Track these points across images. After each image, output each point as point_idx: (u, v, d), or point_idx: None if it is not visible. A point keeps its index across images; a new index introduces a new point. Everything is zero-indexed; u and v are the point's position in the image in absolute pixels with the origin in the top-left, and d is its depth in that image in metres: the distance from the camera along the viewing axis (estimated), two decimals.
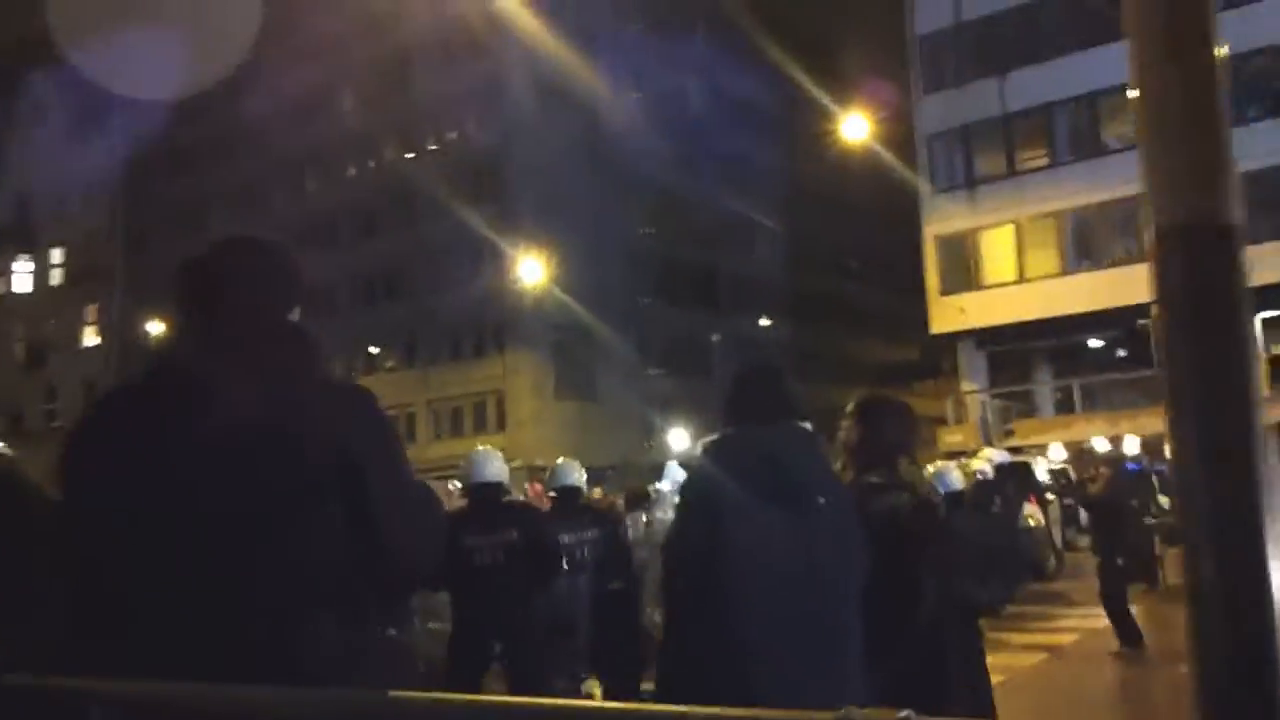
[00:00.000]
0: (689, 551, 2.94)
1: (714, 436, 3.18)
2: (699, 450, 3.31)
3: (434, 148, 41.05)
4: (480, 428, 39.01)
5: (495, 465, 6.27)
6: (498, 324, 37.43)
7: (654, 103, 39.49)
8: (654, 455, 34.61)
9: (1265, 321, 26.47)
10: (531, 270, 31.89)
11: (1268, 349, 21.33)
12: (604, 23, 38.06)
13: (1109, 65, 27.67)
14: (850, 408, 4.01)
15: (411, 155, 41.19)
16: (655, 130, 40.03)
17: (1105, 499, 10.61)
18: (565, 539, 6.77)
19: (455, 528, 5.75)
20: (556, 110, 37.64)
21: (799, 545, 2.83)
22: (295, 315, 2.15)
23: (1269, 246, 25.27)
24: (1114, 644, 9.80)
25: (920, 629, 3.62)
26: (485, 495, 6.13)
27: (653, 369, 38.09)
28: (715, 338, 39.21)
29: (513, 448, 36.28)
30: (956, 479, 7.13)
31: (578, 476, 7.63)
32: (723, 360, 39.20)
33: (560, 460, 7.92)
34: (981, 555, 6.42)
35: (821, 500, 2.93)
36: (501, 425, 38.32)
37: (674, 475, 10.12)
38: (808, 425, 3.23)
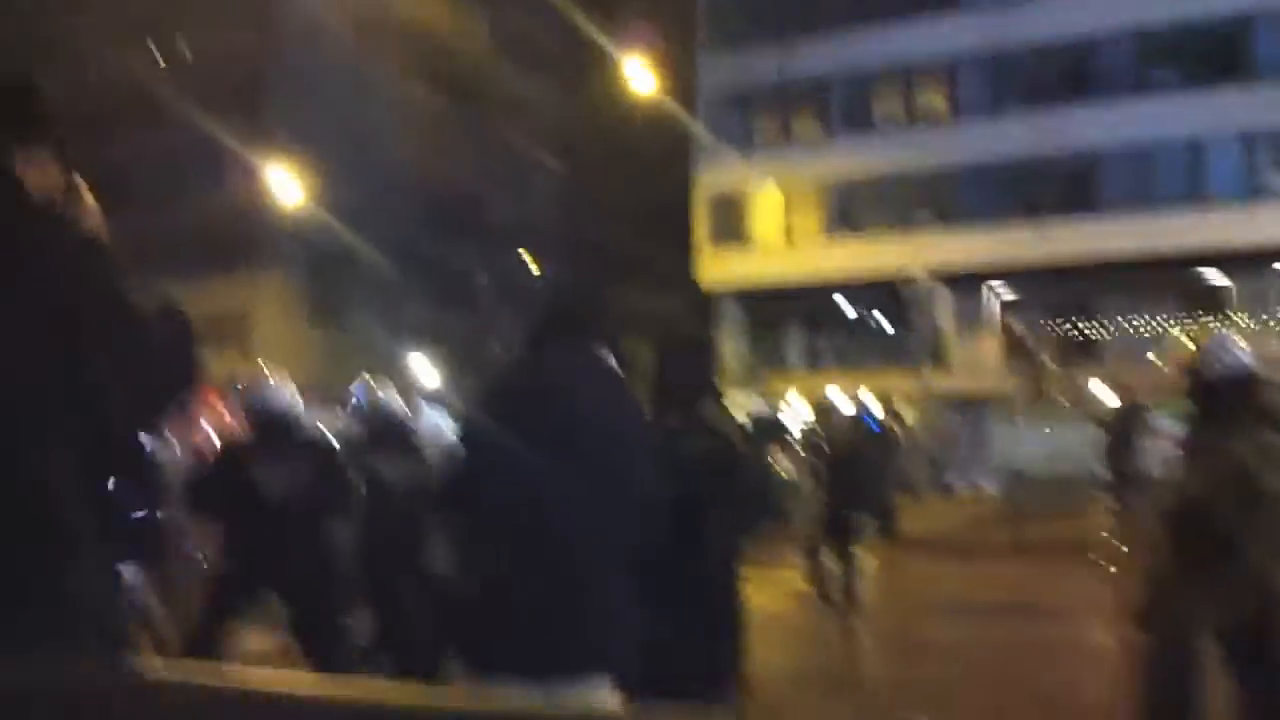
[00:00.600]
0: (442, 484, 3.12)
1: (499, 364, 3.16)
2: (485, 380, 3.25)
3: (187, 50, 37.74)
4: (220, 348, 36.40)
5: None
6: (246, 242, 34.87)
7: (437, 26, 37.79)
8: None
9: (1005, 304, 28.33)
10: (285, 186, 29.71)
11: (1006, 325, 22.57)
12: None
13: (886, 45, 28.64)
14: (648, 347, 3.87)
15: (158, 55, 37.70)
16: (432, 55, 38.42)
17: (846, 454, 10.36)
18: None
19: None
20: (327, 24, 35.28)
21: (547, 487, 2.57)
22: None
23: (1018, 229, 26.83)
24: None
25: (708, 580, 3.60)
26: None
27: (412, 298, 36.71)
28: (481, 274, 38.24)
29: (257, 373, 34.13)
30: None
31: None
32: (488, 295, 38.41)
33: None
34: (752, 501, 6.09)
35: (593, 439, 2.63)
36: (244, 348, 35.90)
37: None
38: (604, 352, 2.85)
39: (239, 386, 5.92)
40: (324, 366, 34.19)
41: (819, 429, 21.77)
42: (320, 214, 32.11)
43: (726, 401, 16.09)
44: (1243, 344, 3.78)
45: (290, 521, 4.88)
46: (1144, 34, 26.40)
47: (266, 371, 5.85)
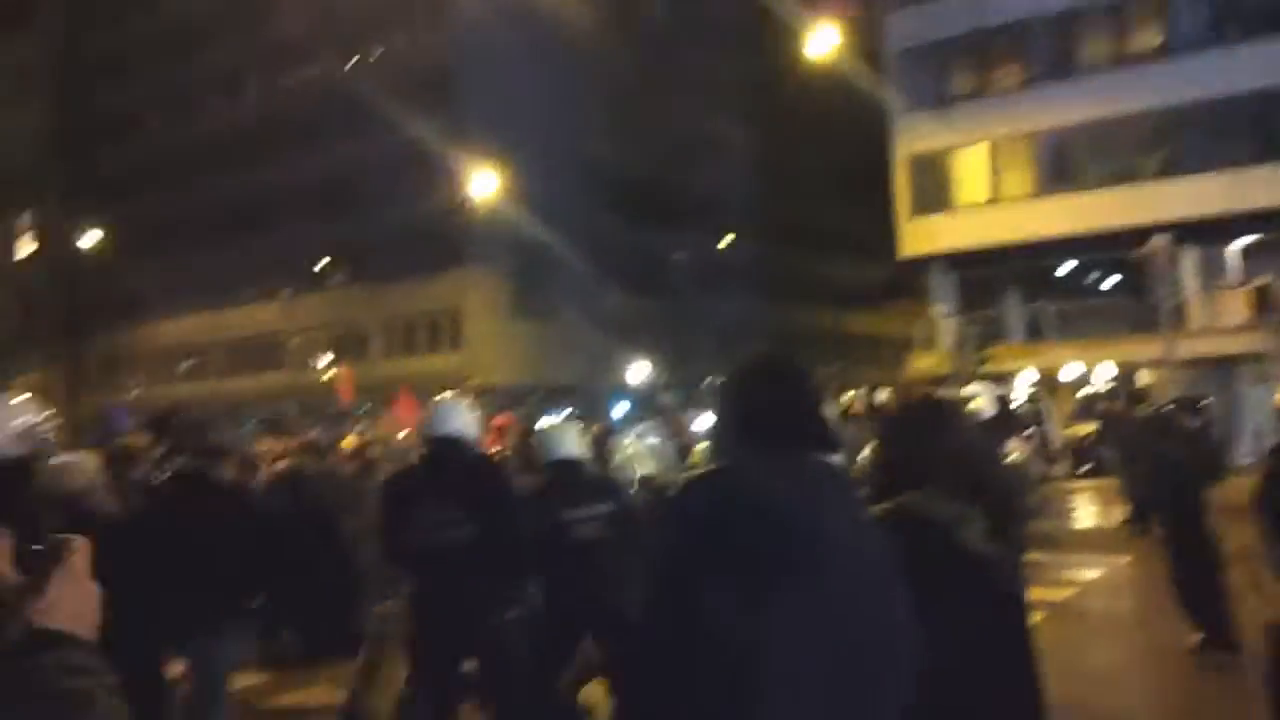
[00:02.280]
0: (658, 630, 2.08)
1: (698, 472, 2.45)
2: (678, 489, 2.33)
3: (380, 52, 39.18)
4: (435, 347, 37.97)
5: (459, 418, 5.20)
6: (451, 240, 36.11)
7: (613, 8, 37.88)
8: (612, 378, 33.89)
9: (1244, 249, 26.19)
10: (485, 184, 30.58)
11: (1251, 278, 20.85)
12: None
13: None
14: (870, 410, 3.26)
15: (355, 61, 39.30)
16: (614, 38, 38.52)
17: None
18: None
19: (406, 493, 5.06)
20: (510, 16, 35.88)
21: (814, 631, 1.95)
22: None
23: (1257, 173, 24.78)
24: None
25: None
26: (441, 451, 5.13)
27: (611, 288, 37.12)
28: (678, 256, 38.26)
29: (469, 366, 35.41)
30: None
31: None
32: (685, 279, 38.38)
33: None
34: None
35: (847, 566, 2.02)
36: (457, 343, 37.31)
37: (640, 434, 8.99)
38: (836, 458, 2.41)
39: (533, 440, 5.95)
40: (530, 359, 35.25)
41: (1044, 405, 20.79)
42: (517, 208, 32.90)
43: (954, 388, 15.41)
44: None
45: (601, 563, 5.02)
46: None
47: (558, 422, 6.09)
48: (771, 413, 2.16)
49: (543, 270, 35.36)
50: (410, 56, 37.67)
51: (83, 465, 5.01)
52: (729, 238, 42.07)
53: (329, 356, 38.43)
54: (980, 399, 9.93)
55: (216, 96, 44.04)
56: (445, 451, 5.05)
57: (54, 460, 5.82)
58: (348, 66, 39.32)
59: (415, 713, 5.08)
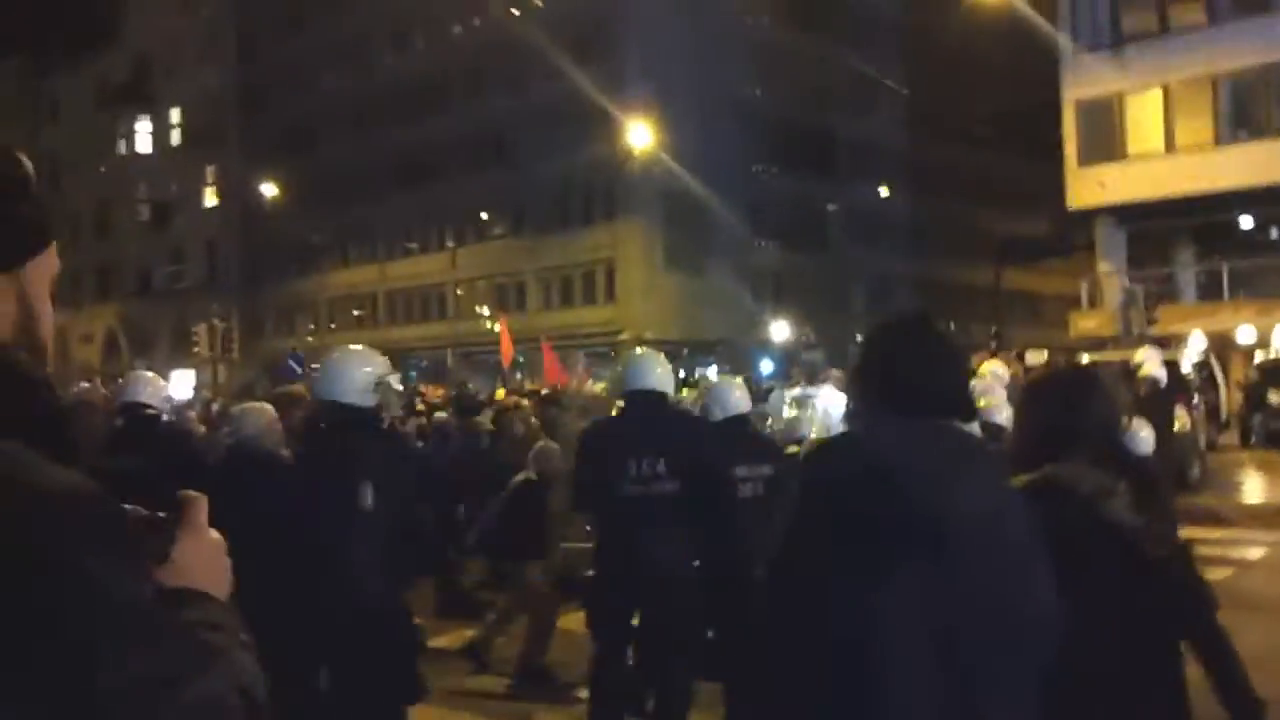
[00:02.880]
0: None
1: (822, 441, 2.44)
2: (806, 455, 2.45)
3: (540, 4, 39.61)
4: (589, 299, 38.65)
5: (657, 371, 5.15)
6: (607, 191, 36.57)
7: None
8: (758, 334, 33.82)
9: None
10: (640, 135, 30.80)
11: None
12: None
13: None
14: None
15: (517, 12, 39.82)
16: None
17: None
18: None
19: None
20: None
21: (933, 607, 1.90)
22: None
23: None
24: None
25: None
26: (641, 403, 5.14)
27: (764, 240, 36.89)
28: (832, 207, 37.70)
29: (621, 319, 35.99)
30: (1148, 439, 5.67)
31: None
32: (839, 232, 37.80)
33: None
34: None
35: (967, 541, 1.94)
36: (611, 296, 37.89)
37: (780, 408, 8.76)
38: (974, 426, 2.42)
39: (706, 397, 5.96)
40: (681, 312, 35.52)
41: (1216, 366, 19.76)
42: (671, 159, 33.00)
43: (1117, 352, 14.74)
44: None
45: (750, 526, 5.02)
46: None
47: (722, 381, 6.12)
48: (908, 378, 2.10)
49: (695, 222, 35.47)
50: (569, 7, 37.99)
51: (261, 411, 5.33)
52: (885, 189, 41.12)
53: (489, 308, 39.62)
54: (1148, 364, 9.47)
55: (385, 49, 45.32)
56: (645, 404, 5.10)
57: (234, 408, 6.35)
58: (511, 15, 39.84)
59: (609, 666, 5.13)
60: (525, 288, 40.52)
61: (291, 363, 24.54)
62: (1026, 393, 2.92)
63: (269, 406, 5.54)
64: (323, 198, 45.24)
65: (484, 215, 41.95)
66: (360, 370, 4.32)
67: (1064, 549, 2.09)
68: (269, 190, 43.54)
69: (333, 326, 47.16)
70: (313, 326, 48.21)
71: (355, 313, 47.84)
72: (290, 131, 47.77)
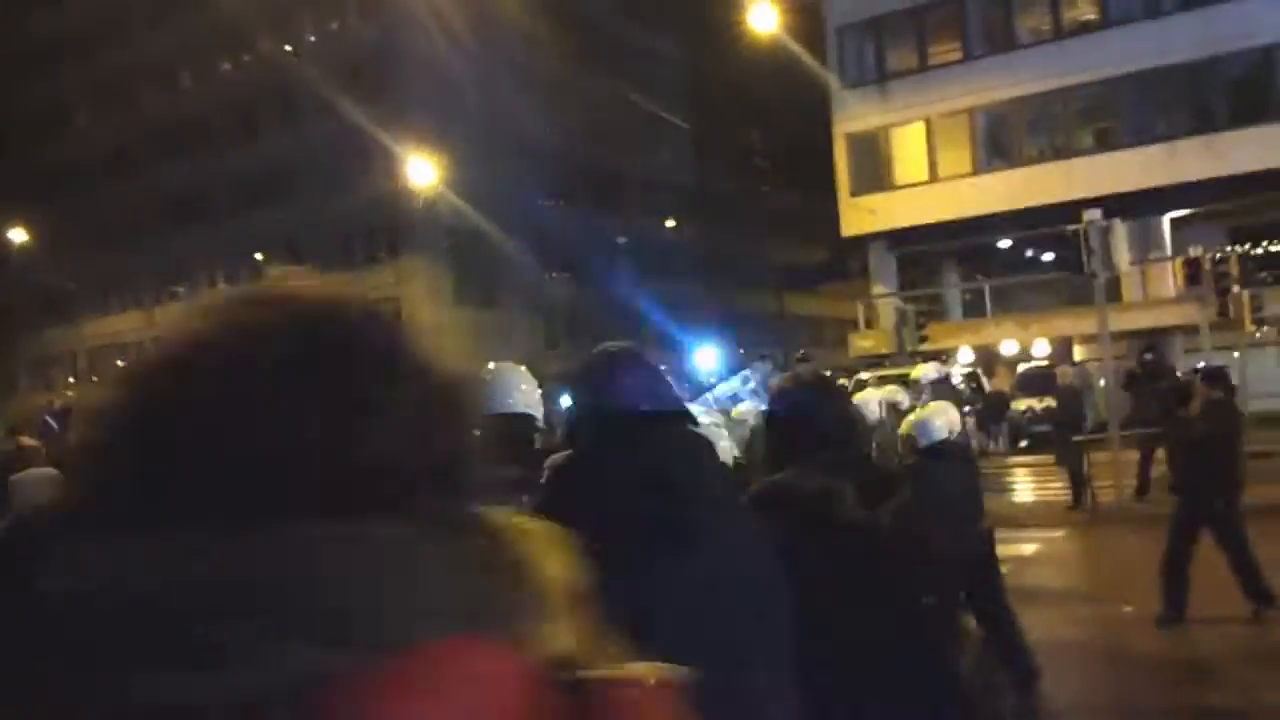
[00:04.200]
0: None
1: (564, 454, 2.56)
2: (549, 470, 2.56)
3: (313, 39, 38.34)
4: None
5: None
6: (390, 228, 35.47)
7: None
8: (555, 366, 33.46)
9: (1174, 221, 26.37)
10: (423, 171, 30.02)
11: (1182, 249, 20.93)
12: None
13: None
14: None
15: (290, 48, 38.42)
16: (552, 19, 37.97)
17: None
18: None
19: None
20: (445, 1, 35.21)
21: (682, 592, 2.05)
22: None
23: (1186, 144, 24.92)
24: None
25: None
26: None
27: (555, 273, 36.67)
28: (621, 240, 37.93)
29: None
30: (942, 425, 5.79)
31: None
32: (628, 263, 38.07)
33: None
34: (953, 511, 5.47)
35: (712, 529, 2.13)
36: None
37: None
38: (699, 424, 2.44)
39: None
40: (470, 348, 34.61)
41: (984, 378, 20.71)
42: (457, 194, 32.37)
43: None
44: None
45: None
46: None
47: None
48: (629, 392, 2.25)
49: (484, 257, 34.86)
50: (347, 42, 36.96)
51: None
52: (673, 221, 41.80)
53: None
54: (921, 371, 9.87)
55: (149, 87, 42.92)
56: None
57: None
58: (284, 51, 38.41)
59: None
60: None
61: (49, 419, 22.31)
62: (769, 404, 3.12)
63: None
64: (79, 243, 42.17)
65: (258, 256, 39.99)
66: None
67: (791, 548, 2.24)
68: (17, 237, 40.11)
69: (95, 379, 43.76)
70: (71, 380, 44.65)
71: (119, 363, 44.54)
72: (41, 175, 44.47)
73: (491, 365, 4.01)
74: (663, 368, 2.44)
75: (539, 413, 3.95)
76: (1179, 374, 12.55)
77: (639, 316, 30.98)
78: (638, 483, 2.08)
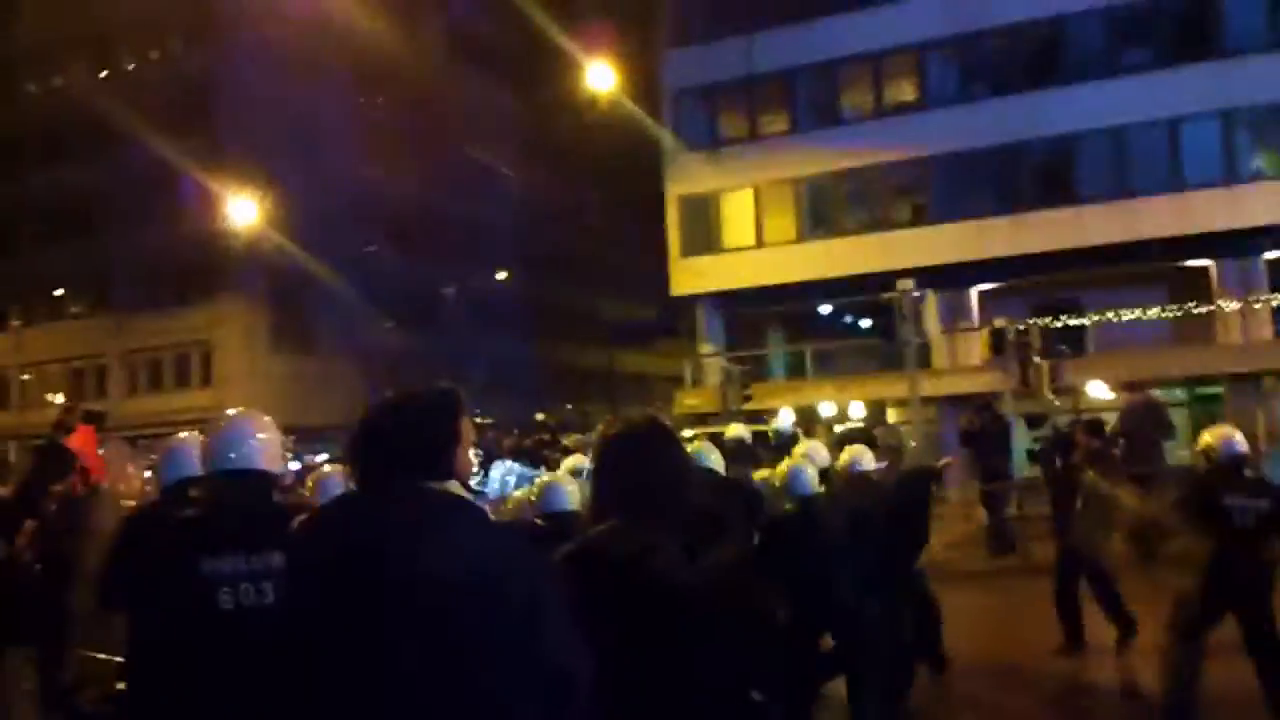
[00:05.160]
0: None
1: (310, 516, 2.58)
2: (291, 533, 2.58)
3: (132, 67, 36.53)
4: (183, 383, 35.35)
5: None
6: (205, 268, 33.77)
7: (384, 37, 36.73)
8: None
9: (981, 294, 27.76)
10: (244, 209, 28.76)
11: (988, 320, 21.98)
12: None
13: (851, 34, 27.94)
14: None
15: (105, 74, 36.48)
16: (390, 63, 37.41)
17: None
18: None
19: None
20: (277, 34, 34.17)
21: (372, 672, 2.04)
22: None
23: (994, 222, 26.34)
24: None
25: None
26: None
27: (378, 322, 35.65)
28: (448, 290, 37.28)
29: (221, 405, 33.02)
30: (812, 477, 5.67)
31: None
32: (456, 314, 37.44)
33: None
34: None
35: (431, 607, 2.05)
36: (208, 380, 34.86)
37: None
38: (452, 485, 2.27)
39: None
40: (288, 397, 33.28)
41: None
42: (279, 235, 31.15)
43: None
44: None
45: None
46: (1113, 13, 25.86)
47: None
48: (389, 441, 2.29)
49: (305, 302, 33.59)
50: (168, 72, 35.31)
51: None
52: (503, 273, 41.44)
53: (63, 395, 35.11)
54: (735, 430, 9.77)
55: None
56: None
57: None
58: (96, 77, 36.41)
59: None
60: (107, 371, 36.40)
61: None
62: (593, 455, 2.90)
63: None
64: None
65: (59, 292, 37.48)
66: None
67: (598, 609, 2.24)
68: None
69: None
70: None
71: None
72: None
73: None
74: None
75: (277, 468, 3.51)
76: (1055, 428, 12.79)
77: (466, 368, 30.46)
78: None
